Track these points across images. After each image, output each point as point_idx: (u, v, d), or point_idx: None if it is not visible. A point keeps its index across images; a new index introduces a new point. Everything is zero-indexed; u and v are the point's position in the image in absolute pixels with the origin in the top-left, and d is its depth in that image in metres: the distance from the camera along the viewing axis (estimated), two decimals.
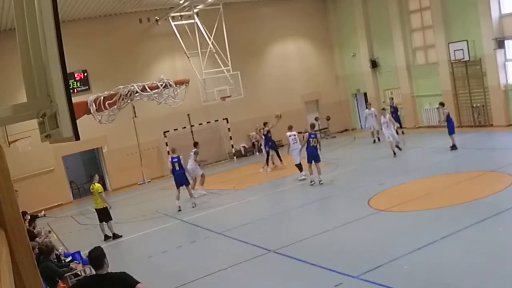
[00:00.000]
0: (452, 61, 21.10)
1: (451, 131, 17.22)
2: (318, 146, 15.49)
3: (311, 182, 15.58)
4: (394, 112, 22.70)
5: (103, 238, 13.57)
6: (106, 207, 13.55)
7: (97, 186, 13.56)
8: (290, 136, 17.25)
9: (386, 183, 14.05)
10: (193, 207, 15.52)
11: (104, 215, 13.54)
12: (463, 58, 20.45)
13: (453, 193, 11.95)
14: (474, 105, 21.16)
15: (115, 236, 13.62)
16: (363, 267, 8.13)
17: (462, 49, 20.32)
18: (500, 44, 19.44)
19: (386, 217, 11.07)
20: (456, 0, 20.83)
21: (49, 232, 13.36)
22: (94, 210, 14.08)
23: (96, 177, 13.92)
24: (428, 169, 14.95)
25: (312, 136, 15.57)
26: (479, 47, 20.13)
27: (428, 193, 12.29)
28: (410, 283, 7.43)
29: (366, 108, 23.48)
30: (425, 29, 23.05)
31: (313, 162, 15.41)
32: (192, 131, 24.06)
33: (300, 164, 16.75)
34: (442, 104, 18.31)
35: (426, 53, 23.34)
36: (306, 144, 15.57)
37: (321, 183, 15.42)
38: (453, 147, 17.06)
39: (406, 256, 8.35)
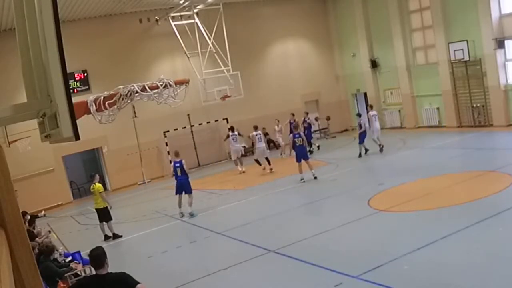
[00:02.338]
0: (452, 61, 21.10)
1: (361, 141, 18.65)
2: (304, 144, 16.54)
3: (301, 179, 16.15)
4: (308, 129, 22.28)
5: (103, 238, 13.58)
6: (106, 207, 13.54)
7: (98, 186, 13.55)
8: (256, 135, 19.44)
9: (386, 183, 14.05)
10: (189, 217, 14.40)
11: (104, 215, 13.54)
12: (463, 58, 20.45)
13: (453, 193, 11.95)
14: (474, 105, 21.15)
15: (115, 236, 13.62)
16: (363, 267, 8.12)
17: (462, 49, 20.32)
18: (500, 44, 19.44)
19: (386, 217, 11.07)
20: (456, 0, 20.83)
21: (49, 232, 13.35)
22: (94, 210, 14.08)
23: (97, 177, 13.89)
24: (428, 169, 14.95)
25: (296, 136, 16.41)
26: (479, 47, 20.12)
27: (428, 193, 12.28)
28: (410, 283, 7.43)
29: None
30: (425, 29, 23.04)
31: (302, 160, 16.17)
32: (192, 131, 24.06)
33: (257, 160, 19.46)
34: (358, 115, 19.42)
35: (426, 53, 23.34)
36: (292, 144, 16.51)
37: (315, 178, 16.01)
38: (360, 155, 18.68)
39: (406, 256, 8.35)
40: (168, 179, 23.01)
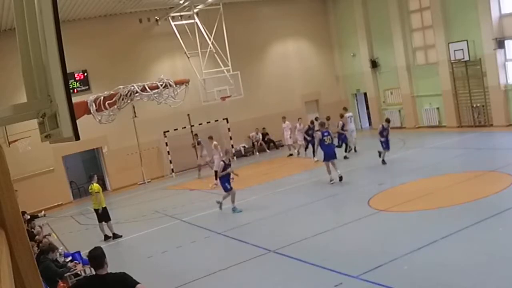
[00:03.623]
0: (452, 61, 21.10)
1: (388, 146, 16.78)
2: (332, 143, 15.35)
3: (330, 181, 15.17)
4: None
5: (103, 238, 13.58)
6: (105, 207, 13.55)
7: (94, 186, 13.58)
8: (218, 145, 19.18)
9: (386, 183, 14.07)
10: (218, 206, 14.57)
11: (103, 215, 13.55)
12: (463, 58, 20.45)
13: (453, 193, 11.95)
14: (474, 105, 21.16)
15: (115, 236, 13.62)
16: (363, 267, 8.13)
17: (462, 49, 20.33)
18: (500, 44, 19.44)
19: (386, 217, 11.07)
20: (456, 0, 20.84)
21: (49, 234, 13.31)
22: (93, 210, 14.09)
23: (95, 177, 13.89)
24: (428, 169, 14.95)
25: (325, 134, 15.41)
26: (479, 47, 20.13)
27: (428, 193, 12.28)
28: (410, 283, 7.43)
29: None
30: (425, 29, 23.05)
31: (330, 160, 15.20)
32: (192, 131, 24.05)
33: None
34: (387, 121, 17.26)
35: (426, 53, 23.34)
36: (319, 143, 15.54)
37: (341, 179, 15.07)
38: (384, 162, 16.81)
39: (406, 256, 8.35)
40: (167, 179, 23.08)
